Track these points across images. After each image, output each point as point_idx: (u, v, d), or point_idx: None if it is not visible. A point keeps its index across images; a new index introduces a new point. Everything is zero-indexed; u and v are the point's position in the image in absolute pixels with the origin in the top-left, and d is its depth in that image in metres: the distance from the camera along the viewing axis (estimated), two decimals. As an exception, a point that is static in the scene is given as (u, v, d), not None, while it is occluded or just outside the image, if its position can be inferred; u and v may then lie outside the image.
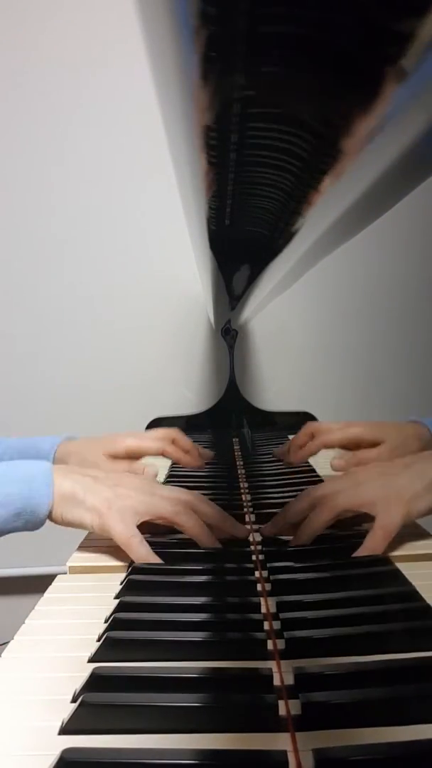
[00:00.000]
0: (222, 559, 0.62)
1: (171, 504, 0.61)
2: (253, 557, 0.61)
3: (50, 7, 1.39)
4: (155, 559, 0.58)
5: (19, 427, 1.50)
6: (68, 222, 1.48)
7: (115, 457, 0.83)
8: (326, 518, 0.61)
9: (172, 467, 0.99)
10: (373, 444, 0.84)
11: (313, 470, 0.94)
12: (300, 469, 0.95)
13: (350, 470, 0.72)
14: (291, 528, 0.64)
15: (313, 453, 0.88)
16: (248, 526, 0.71)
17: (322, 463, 0.93)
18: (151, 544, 0.60)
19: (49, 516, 0.60)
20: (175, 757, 0.33)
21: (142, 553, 0.58)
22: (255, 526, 0.70)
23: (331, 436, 0.87)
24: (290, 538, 0.63)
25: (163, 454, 0.86)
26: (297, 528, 0.63)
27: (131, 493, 0.61)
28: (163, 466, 0.94)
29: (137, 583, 0.55)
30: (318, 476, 0.90)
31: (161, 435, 0.88)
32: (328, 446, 0.87)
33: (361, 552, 0.58)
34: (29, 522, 0.59)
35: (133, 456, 0.84)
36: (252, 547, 0.64)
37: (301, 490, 0.83)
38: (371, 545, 0.58)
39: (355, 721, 0.35)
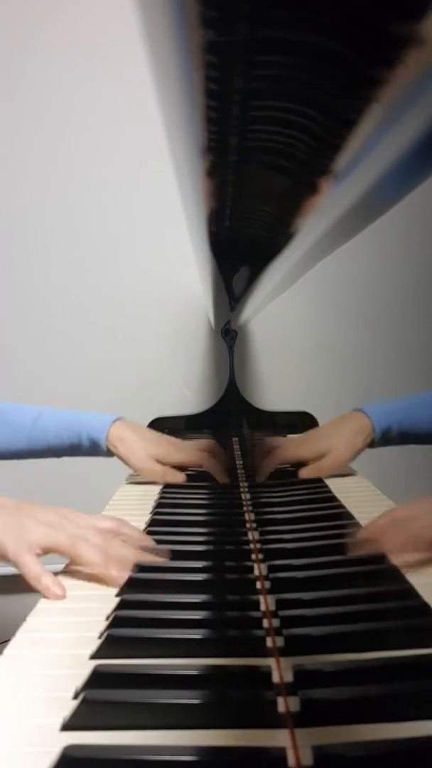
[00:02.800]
0: (222, 557, 0.62)
1: (68, 537, 0.58)
2: (253, 555, 0.61)
3: (50, 8, 1.39)
4: (46, 579, 0.55)
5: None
6: (68, 223, 1.48)
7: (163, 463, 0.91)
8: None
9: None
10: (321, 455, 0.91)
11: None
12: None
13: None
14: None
15: (271, 469, 0.93)
16: (248, 525, 0.71)
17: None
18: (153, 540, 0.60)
19: None
20: (175, 754, 0.33)
21: (34, 570, 0.55)
22: (254, 525, 0.71)
23: (285, 453, 0.93)
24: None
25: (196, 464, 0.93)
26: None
27: (31, 523, 0.58)
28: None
29: (138, 581, 0.56)
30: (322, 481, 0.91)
31: (192, 445, 0.97)
32: (283, 462, 0.93)
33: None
34: None
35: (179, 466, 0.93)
36: (251, 546, 0.64)
37: (301, 490, 0.84)
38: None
39: (354, 717, 0.35)
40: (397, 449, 0.95)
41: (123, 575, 0.56)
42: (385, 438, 0.92)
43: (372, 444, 0.92)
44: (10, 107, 1.44)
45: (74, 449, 0.94)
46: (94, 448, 0.93)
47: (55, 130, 1.44)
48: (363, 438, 0.91)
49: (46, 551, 0.58)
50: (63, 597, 0.54)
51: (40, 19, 1.39)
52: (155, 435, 0.96)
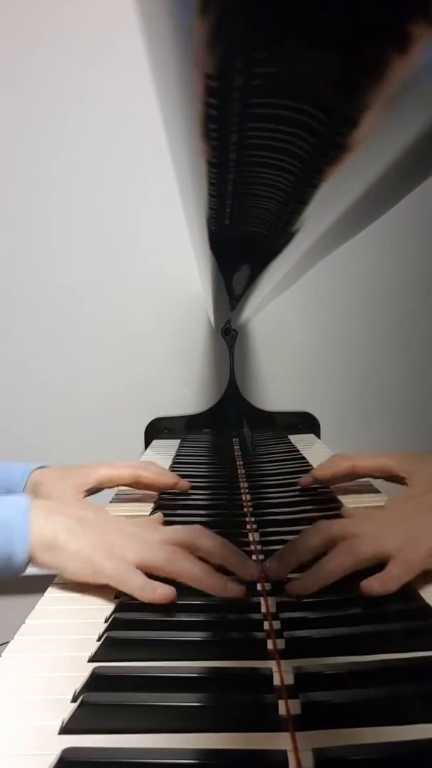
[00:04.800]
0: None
1: (164, 552, 0.54)
2: (254, 557, 0.61)
3: (50, 9, 1.39)
4: (159, 589, 0.51)
5: (18, 427, 1.50)
6: (68, 222, 1.48)
7: (89, 491, 0.77)
8: (346, 566, 0.52)
9: (173, 467, 0.99)
10: (403, 478, 0.76)
11: (310, 465, 0.94)
12: (300, 469, 0.95)
13: (371, 511, 0.67)
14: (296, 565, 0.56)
15: (340, 473, 0.81)
16: (248, 526, 0.71)
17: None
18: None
19: (31, 560, 0.54)
20: (175, 757, 0.33)
21: (139, 582, 0.52)
22: (255, 527, 0.70)
23: (361, 462, 0.80)
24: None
25: (137, 482, 0.81)
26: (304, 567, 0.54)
27: (120, 540, 0.55)
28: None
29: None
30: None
31: (133, 463, 0.83)
32: (356, 471, 0.80)
33: (372, 583, 0.51)
34: (6, 569, 0.54)
35: (106, 486, 0.80)
36: (252, 547, 0.64)
37: (301, 490, 0.84)
38: (386, 578, 0.51)
39: (355, 720, 0.35)
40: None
41: (234, 586, 0.52)
42: None
43: None
44: (11, 107, 1.44)
45: None
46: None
47: (55, 128, 1.44)
48: None
49: (140, 569, 0.53)
50: (172, 595, 0.51)
51: (40, 18, 1.39)
52: (71, 468, 0.82)
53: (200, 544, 0.56)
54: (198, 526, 0.58)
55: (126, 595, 0.53)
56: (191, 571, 0.53)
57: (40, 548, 0.54)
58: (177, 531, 0.57)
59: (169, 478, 0.84)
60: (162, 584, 0.51)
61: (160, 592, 0.51)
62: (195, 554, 0.55)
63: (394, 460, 0.77)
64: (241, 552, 0.57)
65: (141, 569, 0.53)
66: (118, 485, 0.82)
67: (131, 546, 0.54)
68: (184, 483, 0.85)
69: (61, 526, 0.55)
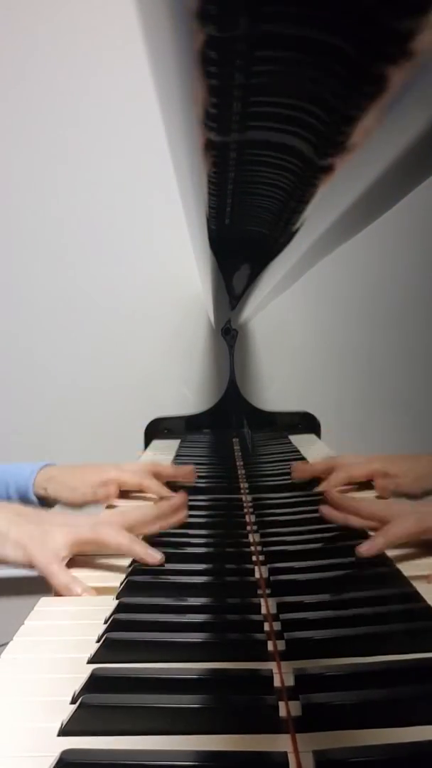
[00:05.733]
0: (222, 559, 0.62)
1: (89, 525, 0.61)
2: (254, 558, 0.61)
3: (50, 11, 1.39)
4: (76, 587, 0.56)
5: (19, 427, 1.50)
6: (68, 222, 1.47)
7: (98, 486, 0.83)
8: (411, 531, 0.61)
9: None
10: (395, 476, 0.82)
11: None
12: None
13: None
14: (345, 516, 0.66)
15: (338, 485, 0.85)
16: (248, 527, 0.71)
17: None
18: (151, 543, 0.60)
19: None
20: (175, 759, 0.33)
21: (62, 579, 0.57)
22: (255, 527, 0.70)
23: (356, 470, 0.85)
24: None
25: (141, 489, 0.84)
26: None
27: (52, 528, 0.61)
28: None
29: (137, 584, 0.55)
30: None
31: (141, 468, 0.88)
32: (353, 480, 0.85)
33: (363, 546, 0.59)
34: None
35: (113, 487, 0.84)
36: (252, 548, 0.64)
37: (302, 491, 0.84)
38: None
39: (356, 722, 0.35)
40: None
41: (151, 552, 0.59)
42: None
43: None
44: (11, 107, 1.43)
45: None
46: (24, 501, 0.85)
47: (55, 129, 1.44)
48: None
49: (73, 549, 0.60)
50: (90, 593, 0.56)
51: (40, 17, 1.39)
52: (79, 465, 0.89)
53: (128, 517, 0.65)
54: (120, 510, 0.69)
55: (125, 595, 0.53)
56: (116, 538, 0.60)
57: None
58: (105, 514, 0.67)
59: (185, 476, 0.88)
60: (83, 584, 0.57)
61: (81, 590, 0.56)
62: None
63: (384, 462, 0.84)
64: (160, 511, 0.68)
65: (73, 551, 0.60)
66: (123, 489, 0.85)
67: (61, 531, 0.60)
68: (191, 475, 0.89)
69: (4, 518, 0.61)
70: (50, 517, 0.65)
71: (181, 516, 0.69)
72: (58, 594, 0.57)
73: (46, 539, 0.59)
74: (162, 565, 0.59)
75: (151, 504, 0.75)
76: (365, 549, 0.58)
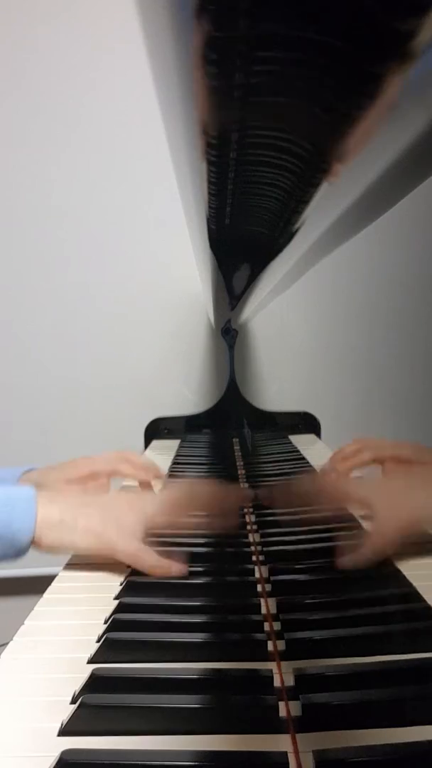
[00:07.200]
0: (222, 559, 0.62)
1: (163, 513, 0.61)
2: (254, 558, 0.61)
3: (50, 11, 1.39)
4: (169, 567, 0.57)
5: (19, 426, 1.50)
6: (69, 222, 1.47)
7: (72, 482, 0.81)
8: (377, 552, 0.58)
9: (173, 467, 0.99)
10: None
11: (311, 465, 0.94)
12: (300, 469, 0.95)
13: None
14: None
15: (362, 465, 0.84)
16: (248, 527, 0.71)
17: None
18: (151, 545, 0.60)
19: (34, 542, 0.57)
20: (175, 759, 0.33)
21: (151, 561, 0.57)
22: (255, 527, 0.70)
23: (382, 451, 0.84)
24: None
25: (116, 474, 0.84)
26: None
27: (122, 513, 0.60)
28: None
29: (137, 584, 0.55)
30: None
31: (113, 456, 0.86)
32: (378, 460, 0.84)
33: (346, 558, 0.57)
34: (10, 548, 0.56)
35: (89, 479, 0.83)
36: (252, 548, 0.64)
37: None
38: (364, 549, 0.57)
39: (356, 722, 0.35)
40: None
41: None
42: None
43: None
44: (11, 107, 1.43)
45: None
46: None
47: (55, 129, 1.44)
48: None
49: (148, 527, 0.60)
50: (186, 571, 0.57)
51: (40, 17, 1.39)
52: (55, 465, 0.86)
53: (195, 492, 0.65)
54: (186, 481, 0.69)
55: (125, 595, 0.53)
56: (192, 523, 0.63)
57: (47, 528, 0.57)
58: (170, 490, 0.68)
59: (148, 474, 0.85)
60: (174, 563, 0.57)
61: (176, 569, 0.56)
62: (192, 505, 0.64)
63: (412, 450, 0.82)
64: (228, 490, 0.70)
65: (148, 529, 0.59)
66: (99, 478, 0.84)
67: (134, 517, 0.60)
68: (160, 473, 0.88)
69: (66, 507, 0.59)
70: (113, 499, 0.65)
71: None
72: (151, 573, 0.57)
73: (121, 524, 0.59)
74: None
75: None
76: (347, 561, 0.56)
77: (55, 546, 0.58)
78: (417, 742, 0.33)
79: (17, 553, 0.57)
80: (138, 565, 0.57)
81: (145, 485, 0.83)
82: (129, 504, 0.62)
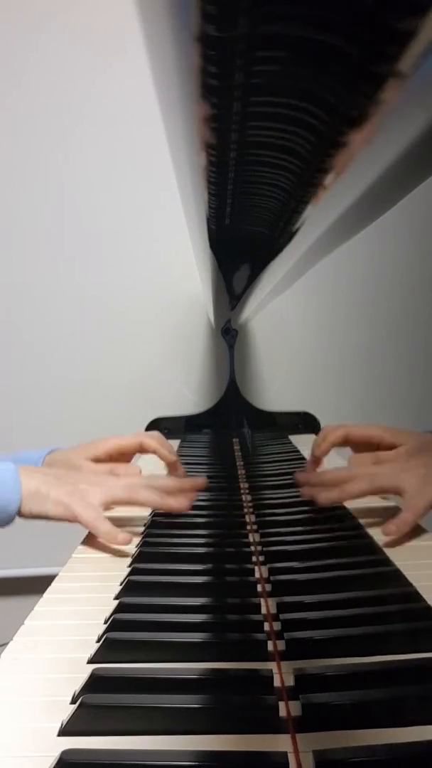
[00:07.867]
0: (222, 559, 0.62)
1: (123, 487, 0.71)
2: (254, 558, 0.61)
3: (51, 13, 1.39)
4: (117, 535, 0.65)
5: (19, 426, 1.50)
6: (69, 222, 1.47)
7: (98, 459, 0.85)
8: (363, 488, 0.69)
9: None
10: (392, 446, 0.83)
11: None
12: (300, 469, 0.95)
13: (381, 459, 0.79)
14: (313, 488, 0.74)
15: (337, 442, 0.87)
16: (248, 527, 0.71)
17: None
18: (151, 544, 0.60)
19: (18, 512, 0.66)
20: (175, 759, 0.33)
21: (105, 528, 0.65)
22: (255, 527, 0.70)
23: (354, 429, 0.87)
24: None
25: (141, 449, 0.88)
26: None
27: (88, 488, 0.69)
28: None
29: (137, 584, 0.55)
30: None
31: (140, 433, 0.93)
32: (350, 438, 0.87)
33: (390, 524, 0.64)
34: (3, 513, 0.65)
35: (115, 455, 0.87)
36: (252, 548, 0.64)
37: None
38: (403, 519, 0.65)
39: (356, 722, 0.35)
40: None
41: (184, 501, 0.72)
42: None
43: None
44: (11, 107, 1.43)
45: None
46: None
47: (56, 129, 1.44)
48: None
49: (107, 507, 0.69)
50: (129, 540, 0.66)
51: (41, 23, 1.39)
52: (77, 445, 0.90)
53: (156, 482, 0.74)
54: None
55: (125, 595, 0.53)
56: (148, 495, 0.70)
57: (28, 498, 0.66)
58: (135, 476, 0.77)
59: (171, 453, 0.89)
60: (122, 531, 0.66)
61: (122, 537, 0.66)
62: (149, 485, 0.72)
63: (383, 430, 0.86)
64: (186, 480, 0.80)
65: (106, 506, 0.69)
66: (124, 453, 0.89)
67: (97, 489, 0.69)
68: (182, 469, 0.91)
69: (42, 479, 0.68)
70: (86, 477, 0.73)
71: (191, 498, 0.74)
72: (102, 540, 0.67)
73: (85, 496, 0.67)
74: (189, 509, 0.72)
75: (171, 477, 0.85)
76: (392, 527, 0.64)
77: (34, 513, 0.66)
78: (417, 742, 0.33)
79: (5, 521, 0.66)
80: (95, 532, 0.66)
81: (171, 466, 0.88)
82: (95, 480, 0.72)
